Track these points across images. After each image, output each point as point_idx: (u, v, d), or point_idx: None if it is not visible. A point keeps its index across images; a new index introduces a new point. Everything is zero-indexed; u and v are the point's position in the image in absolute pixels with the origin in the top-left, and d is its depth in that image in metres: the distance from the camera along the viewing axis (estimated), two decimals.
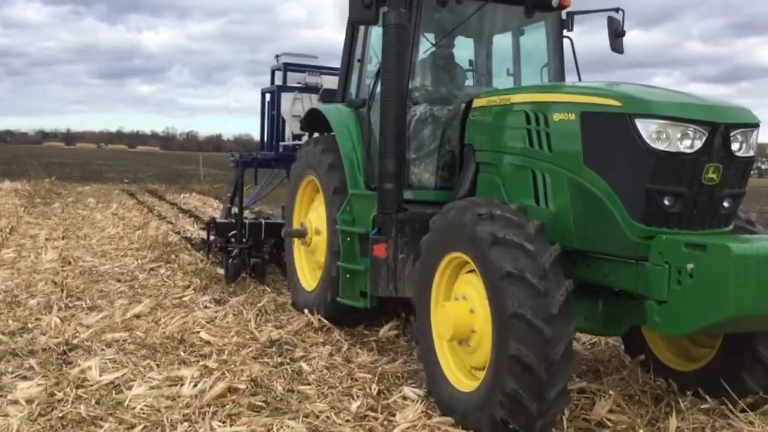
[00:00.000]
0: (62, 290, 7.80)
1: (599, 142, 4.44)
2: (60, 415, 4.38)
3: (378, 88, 5.91)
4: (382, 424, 4.46)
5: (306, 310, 6.91)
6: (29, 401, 4.57)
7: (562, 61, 6.60)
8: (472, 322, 4.47)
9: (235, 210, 9.66)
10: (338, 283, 6.39)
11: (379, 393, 5.01)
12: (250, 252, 8.73)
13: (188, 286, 8.29)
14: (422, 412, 4.60)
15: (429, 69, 6.48)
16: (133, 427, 4.30)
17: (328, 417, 4.57)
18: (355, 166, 6.43)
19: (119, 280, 8.69)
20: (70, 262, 9.73)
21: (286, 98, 9.70)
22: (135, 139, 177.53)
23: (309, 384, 5.22)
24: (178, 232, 13.10)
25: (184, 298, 7.69)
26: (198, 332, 6.34)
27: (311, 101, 9.13)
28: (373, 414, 4.62)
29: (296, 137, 9.66)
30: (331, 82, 8.68)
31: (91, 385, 4.93)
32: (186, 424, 4.36)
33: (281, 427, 4.34)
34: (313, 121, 7.33)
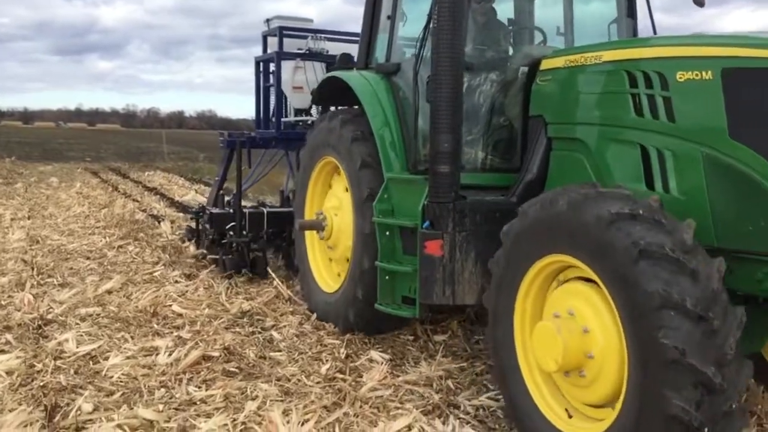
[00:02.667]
0: (32, 268, 7.90)
1: (753, 106, 3.50)
2: (41, 384, 4.55)
3: (424, 51, 4.90)
4: (350, 384, 4.71)
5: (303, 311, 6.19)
6: (9, 373, 4.73)
7: (634, 16, 5.64)
8: (587, 346, 3.44)
9: (227, 198, 8.57)
10: (361, 283, 5.45)
11: (347, 357, 5.26)
12: (249, 246, 7.73)
13: (158, 262, 8.42)
14: (388, 372, 4.87)
15: (470, 27, 5.20)
16: (112, 393, 4.49)
17: (299, 380, 4.81)
18: (389, 144, 5.38)
19: (88, 258, 8.78)
20: (38, 241, 9.79)
21: (285, 67, 8.41)
22: (95, 116, 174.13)
23: (280, 351, 5.45)
24: (144, 210, 13.16)
25: (155, 274, 7.84)
26: (170, 305, 6.51)
27: (315, 70, 8.16)
28: (341, 376, 4.87)
29: (298, 112, 8.53)
30: (335, 51, 7.95)
31: (69, 357, 5.10)
32: (163, 390, 4.57)
33: (254, 389, 4.57)
34: (329, 92, 6.35)
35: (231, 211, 7.92)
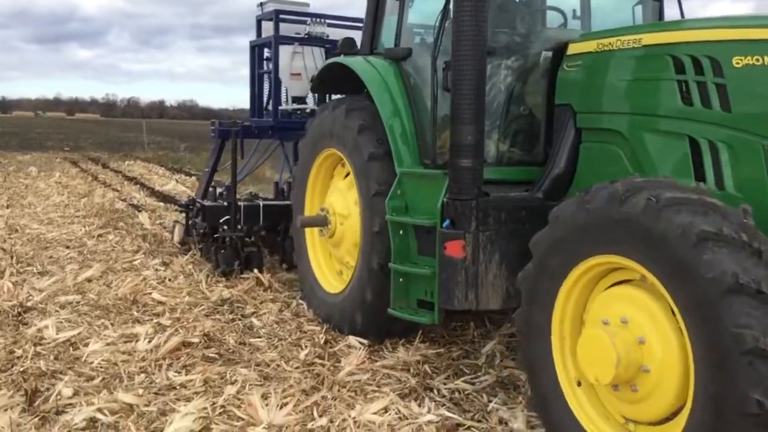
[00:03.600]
0: (12, 257, 7.88)
1: None
2: (21, 369, 4.58)
3: (443, 34, 4.56)
4: (329, 369, 4.78)
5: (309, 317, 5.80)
6: None
7: None
8: (641, 357, 3.10)
9: (219, 190, 8.17)
10: (370, 285, 5.10)
11: (326, 342, 5.33)
12: (243, 240, 7.42)
13: (138, 251, 8.44)
14: (366, 357, 4.94)
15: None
16: (92, 379, 4.53)
17: (278, 365, 4.88)
18: (400, 136, 4.99)
19: (68, 247, 8.77)
20: (17, 230, 9.76)
21: (282, 53, 7.88)
22: (74, 106, 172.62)
23: (260, 337, 5.51)
24: (124, 200, 13.14)
25: (135, 262, 7.85)
26: (150, 293, 6.54)
27: (314, 56, 7.77)
28: (320, 361, 4.94)
29: (296, 100, 8.10)
30: (336, 36, 7.56)
31: (49, 343, 5.13)
32: (143, 375, 4.62)
33: (234, 374, 4.63)
34: (331, 79, 6.00)
35: (224, 204, 7.54)
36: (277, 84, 8.02)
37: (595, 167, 4.15)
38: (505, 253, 4.15)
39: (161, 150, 29.80)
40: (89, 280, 7.01)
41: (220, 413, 4.05)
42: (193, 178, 17.45)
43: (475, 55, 4.08)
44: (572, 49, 4.33)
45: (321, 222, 5.76)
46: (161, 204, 12.84)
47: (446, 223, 4.23)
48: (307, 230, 6.08)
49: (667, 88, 3.73)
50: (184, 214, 8.62)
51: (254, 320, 5.89)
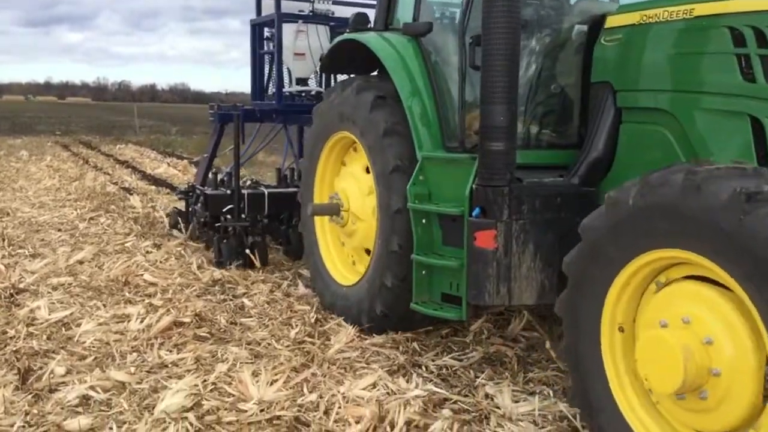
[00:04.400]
0: (3, 240, 7.91)
1: None
2: (14, 349, 4.64)
3: (471, 7, 4.24)
4: (319, 347, 4.85)
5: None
6: None
7: None
8: (711, 360, 2.80)
9: (220, 176, 7.86)
10: (389, 270, 4.78)
11: (316, 321, 5.39)
12: (247, 230, 7.08)
13: (129, 233, 8.47)
14: (356, 335, 5.01)
15: None
16: (84, 358, 4.59)
17: (269, 343, 4.94)
18: (420, 117, 4.68)
19: (60, 230, 8.79)
20: (8, 213, 9.78)
21: (285, 32, 7.51)
22: (65, 90, 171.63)
23: (251, 316, 5.57)
24: (116, 183, 13.15)
25: (126, 244, 7.88)
26: (142, 275, 6.58)
27: (319, 35, 7.42)
28: (310, 339, 5.01)
29: (300, 82, 7.77)
30: (343, 14, 7.31)
31: (41, 323, 5.18)
32: (135, 354, 4.68)
33: (225, 352, 4.69)
34: (342, 58, 5.66)
35: (227, 192, 7.20)
36: (280, 65, 7.65)
37: (638, 150, 3.84)
38: (539, 244, 3.88)
39: (153, 134, 29.75)
40: (81, 262, 7.05)
41: (211, 390, 4.11)
42: (185, 161, 17.46)
43: (508, 28, 3.78)
44: (611, 22, 4.01)
45: (333, 210, 5.43)
46: (153, 187, 12.86)
47: (476, 211, 3.93)
48: (318, 220, 5.74)
49: (724, 63, 3.41)
50: (183, 202, 8.43)
51: (245, 300, 5.94)
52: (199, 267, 6.91)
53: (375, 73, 5.39)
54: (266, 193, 7.22)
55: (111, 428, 3.62)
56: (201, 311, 5.47)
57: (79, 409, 3.84)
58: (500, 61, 3.79)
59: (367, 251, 5.22)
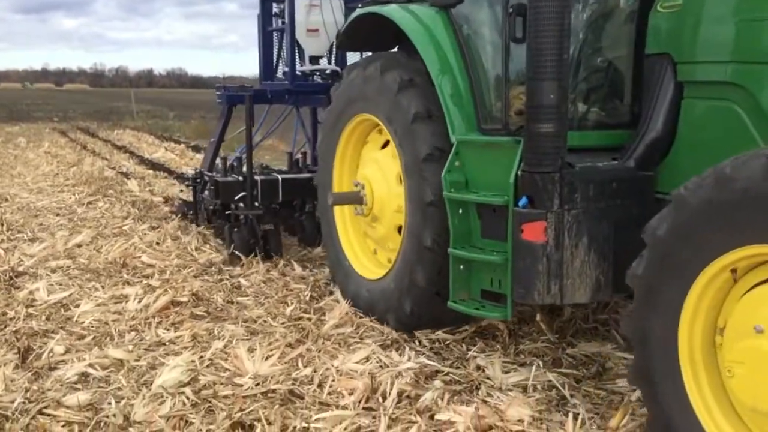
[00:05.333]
0: (2, 224, 7.98)
1: None
2: (14, 330, 4.73)
3: None
4: (314, 323, 4.93)
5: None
6: None
7: None
8: None
9: (229, 162, 7.45)
10: (421, 267, 4.42)
11: (311, 299, 5.48)
12: (260, 218, 6.70)
13: (127, 217, 8.54)
14: (351, 311, 5.09)
15: None
16: (83, 337, 4.67)
17: (265, 321, 5.03)
18: (452, 97, 4.28)
19: (58, 214, 8.87)
20: (6, 199, 9.85)
21: (297, 6, 7.08)
22: (62, 76, 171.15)
23: (247, 296, 5.65)
24: (113, 168, 13.22)
25: (124, 227, 7.95)
26: (139, 257, 6.65)
27: (333, 9, 7.00)
28: (306, 315, 5.09)
29: (312, 60, 7.33)
30: None
31: (41, 305, 5.27)
32: (133, 333, 4.76)
33: (222, 330, 4.78)
34: (361, 33, 5.27)
35: (239, 178, 6.78)
36: (291, 41, 7.21)
37: (703, 129, 3.47)
38: (594, 236, 3.54)
39: (150, 119, 29.71)
40: (79, 246, 7.12)
41: (207, 365, 4.20)
42: (182, 145, 17.50)
43: None
44: None
45: (355, 198, 5.05)
46: (150, 171, 12.93)
47: (523, 200, 3.57)
48: (337, 209, 5.37)
49: None
50: (181, 192, 8.35)
51: (242, 280, 6.01)
52: (195, 248, 6.99)
53: (396, 49, 5.10)
54: (280, 179, 6.85)
55: (109, 403, 3.70)
56: (198, 291, 5.55)
57: (78, 386, 3.93)
58: (550, 32, 3.41)
59: (391, 243, 4.91)
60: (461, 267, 4.07)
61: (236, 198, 6.63)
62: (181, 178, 10.85)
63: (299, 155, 7.71)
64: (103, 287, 5.75)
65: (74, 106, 45.70)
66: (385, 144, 5.00)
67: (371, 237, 5.22)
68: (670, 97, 3.59)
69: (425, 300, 4.47)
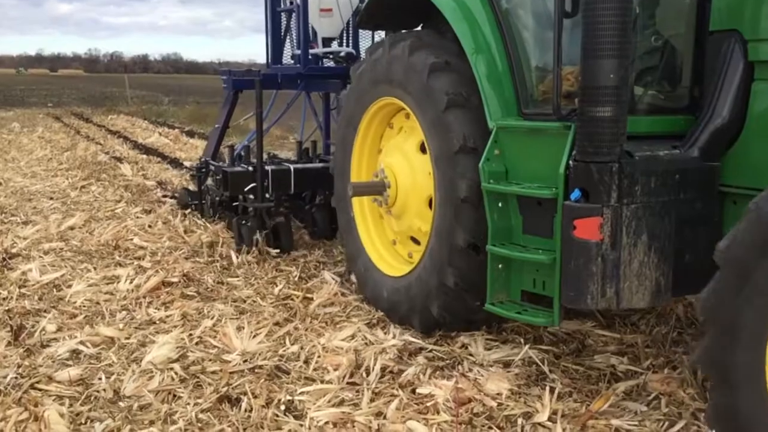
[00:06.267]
0: None
1: None
2: (6, 309, 4.82)
3: None
4: (302, 302, 5.03)
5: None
6: None
7: None
8: None
9: (236, 151, 7.13)
10: (453, 268, 4.05)
11: (300, 279, 5.57)
12: (270, 210, 6.34)
13: (120, 200, 8.62)
14: (338, 291, 5.19)
15: None
16: (75, 316, 4.76)
17: (254, 301, 5.12)
18: (489, 78, 3.86)
19: (51, 198, 8.94)
20: (0, 183, 9.91)
21: None
22: (56, 62, 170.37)
23: (237, 277, 5.73)
24: (107, 152, 13.26)
25: (117, 211, 8.03)
26: (131, 239, 6.73)
27: None
28: (294, 293, 5.19)
29: (325, 42, 6.93)
30: None
31: (33, 285, 5.36)
32: (124, 312, 4.86)
33: (211, 309, 4.87)
34: (384, 11, 4.88)
35: (249, 168, 6.42)
36: (304, 22, 6.76)
37: None
38: (654, 234, 3.19)
39: (145, 104, 29.65)
40: (72, 228, 7.20)
41: (196, 343, 4.30)
42: (176, 130, 17.52)
43: None
44: None
45: (377, 189, 4.67)
46: (144, 156, 12.98)
47: (576, 194, 3.20)
48: (355, 199, 5.00)
49: None
50: (183, 180, 8.22)
51: (233, 261, 6.10)
52: (186, 231, 7.06)
53: (419, 27, 4.76)
54: (292, 169, 6.51)
55: (100, 379, 3.80)
56: (189, 272, 5.64)
57: (70, 362, 4.02)
58: (611, 3, 3.03)
59: (414, 238, 4.65)
60: (500, 266, 3.71)
61: (245, 189, 6.33)
62: (165, 160, 10.54)
63: (309, 144, 7.41)
64: (95, 268, 5.83)
65: (68, 91, 45.55)
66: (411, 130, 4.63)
67: (391, 228, 4.89)
68: (739, 79, 3.21)
69: (454, 302, 4.15)
